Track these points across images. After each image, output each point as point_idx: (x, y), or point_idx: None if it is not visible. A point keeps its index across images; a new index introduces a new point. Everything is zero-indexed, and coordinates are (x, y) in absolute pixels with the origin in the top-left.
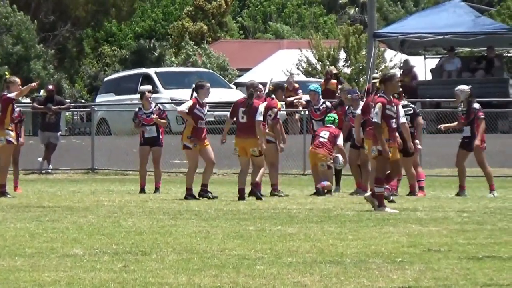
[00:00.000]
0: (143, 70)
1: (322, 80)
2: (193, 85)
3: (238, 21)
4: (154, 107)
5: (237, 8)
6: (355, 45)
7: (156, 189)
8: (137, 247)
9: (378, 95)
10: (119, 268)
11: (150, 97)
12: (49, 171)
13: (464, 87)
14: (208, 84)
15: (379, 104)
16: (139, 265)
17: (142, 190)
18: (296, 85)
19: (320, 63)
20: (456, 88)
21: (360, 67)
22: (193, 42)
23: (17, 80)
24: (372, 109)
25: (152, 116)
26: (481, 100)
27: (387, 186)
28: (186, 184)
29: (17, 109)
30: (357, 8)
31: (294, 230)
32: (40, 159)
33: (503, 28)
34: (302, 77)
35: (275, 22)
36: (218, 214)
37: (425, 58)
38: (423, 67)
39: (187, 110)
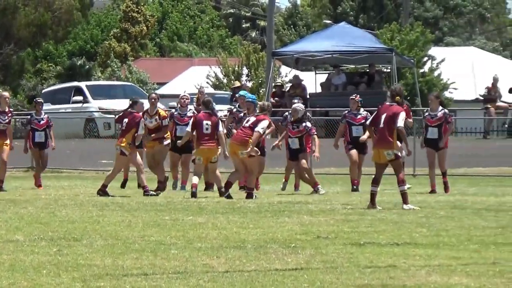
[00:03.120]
0: (75, 84)
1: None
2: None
3: (156, 41)
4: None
5: (156, 29)
6: (255, 63)
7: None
8: (69, 234)
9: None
10: (54, 252)
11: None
12: None
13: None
14: (142, 101)
15: (403, 113)
16: (71, 250)
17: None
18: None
19: (226, 78)
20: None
21: (260, 81)
22: (118, 60)
23: None
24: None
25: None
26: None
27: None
28: (105, 181)
29: (45, 116)
30: (257, 31)
31: (203, 219)
32: None
33: (382, 48)
34: (211, 90)
35: (185, 43)
36: (139, 206)
37: (315, 73)
38: (314, 81)
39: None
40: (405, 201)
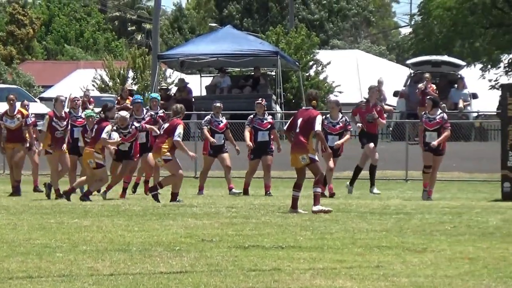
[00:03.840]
0: None
1: (118, 96)
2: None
3: (43, 44)
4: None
5: (43, 32)
6: (141, 65)
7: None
8: None
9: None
10: None
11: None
12: None
13: None
14: (62, 97)
15: (319, 117)
16: None
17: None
18: (92, 99)
19: (112, 80)
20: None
21: (146, 84)
22: (4, 63)
23: None
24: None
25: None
26: (249, 112)
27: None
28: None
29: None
30: (143, 34)
31: (89, 222)
32: None
33: (267, 50)
34: (96, 93)
35: (71, 46)
36: (24, 209)
37: (201, 76)
38: (199, 84)
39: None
40: (315, 202)
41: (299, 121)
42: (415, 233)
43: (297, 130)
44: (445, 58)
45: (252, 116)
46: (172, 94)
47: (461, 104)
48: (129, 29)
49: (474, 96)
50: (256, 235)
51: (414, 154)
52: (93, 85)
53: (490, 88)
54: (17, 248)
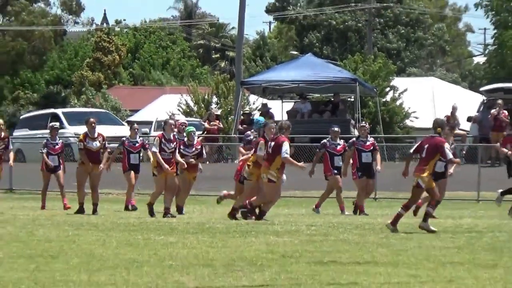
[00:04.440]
0: (52, 110)
1: (205, 120)
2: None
3: (129, 70)
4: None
5: (129, 59)
6: (225, 91)
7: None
8: (47, 252)
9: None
10: (32, 268)
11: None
12: None
13: None
14: (171, 121)
15: (446, 144)
16: (49, 266)
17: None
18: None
19: (197, 105)
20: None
21: (229, 109)
22: (92, 88)
23: None
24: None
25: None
26: (327, 136)
27: None
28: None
29: (60, 141)
30: (226, 62)
31: (174, 239)
32: None
33: (346, 77)
34: (182, 117)
35: (158, 72)
36: (112, 226)
37: (282, 102)
38: (281, 109)
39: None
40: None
41: (426, 146)
42: (486, 250)
43: (423, 155)
44: None
45: (326, 140)
46: (254, 119)
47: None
48: (213, 56)
49: None
50: (335, 251)
51: (485, 176)
52: (178, 110)
53: None
54: (106, 262)
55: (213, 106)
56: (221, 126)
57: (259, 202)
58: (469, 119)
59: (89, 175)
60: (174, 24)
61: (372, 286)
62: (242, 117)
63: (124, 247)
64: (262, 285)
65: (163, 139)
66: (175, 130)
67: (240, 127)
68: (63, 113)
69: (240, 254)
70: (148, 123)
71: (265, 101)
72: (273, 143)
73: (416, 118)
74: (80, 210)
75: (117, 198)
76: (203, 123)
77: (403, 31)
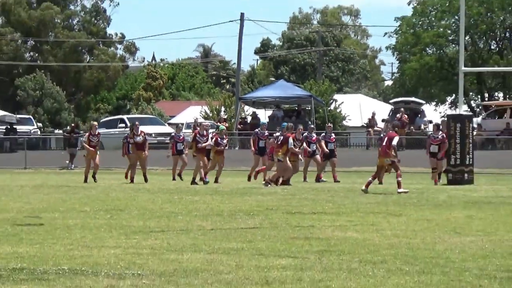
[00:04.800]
0: (120, 116)
1: (217, 121)
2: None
3: (169, 91)
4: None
5: (169, 83)
6: (229, 104)
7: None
8: (117, 207)
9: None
10: (108, 217)
11: (180, 128)
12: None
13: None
14: (204, 123)
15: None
16: (119, 216)
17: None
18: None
19: (212, 113)
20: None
21: (232, 115)
22: (145, 102)
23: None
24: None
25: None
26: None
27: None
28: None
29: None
30: (230, 85)
31: (198, 198)
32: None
33: (305, 94)
34: (202, 120)
35: (187, 92)
36: (158, 190)
37: (265, 110)
38: (264, 115)
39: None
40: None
41: (386, 138)
42: (394, 204)
43: (384, 144)
44: (413, 99)
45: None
46: (248, 121)
47: (422, 127)
48: (221, 81)
49: (430, 122)
50: (299, 205)
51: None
52: (200, 116)
53: (441, 118)
54: (154, 214)
55: (222, 113)
56: (227, 125)
57: (278, 175)
58: (383, 120)
59: (139, 158)
60: (197, 61)
61: (323, 228)
62: (240, 120)
63: (166, 203)
64: (253, 227)
65: (198, 134)
66: (204, 129)
67: (239, 126)
68: (127, 118)
69: (239, 208)
70: (181, 124)
71: (254, 110)
72: (282, 138)
73: (350, 120)
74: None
75: (161, 172)
76: (216, 123)
77: (340, 64)
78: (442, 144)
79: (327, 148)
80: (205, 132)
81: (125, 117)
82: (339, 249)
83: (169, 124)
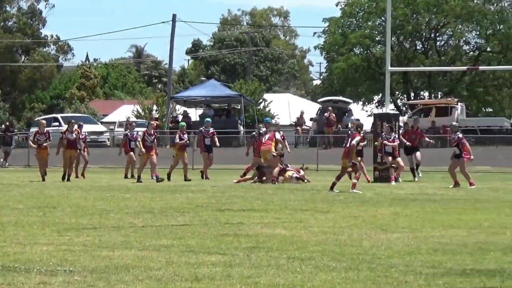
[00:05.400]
0: (54, 115)
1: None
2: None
3: (102, 90)
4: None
5: (102, 83)
6: (161, 103)
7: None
8: (50, 204)
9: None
10: (41, 215)
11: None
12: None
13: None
14: (152, 122)
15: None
16: (51, 214)
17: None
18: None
19: (144, 112)
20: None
21: (164, 113)
22: (79, 101)
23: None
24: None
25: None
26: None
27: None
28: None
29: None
30: (162, 84)
31: (129, 195)
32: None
33: (235, 94)
34: (134, 119)
35: (120, 91)
36: (91, 187)
37: (196, 109)
38: (195, 114)
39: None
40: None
41: (349, 140)
42: (322, 201)
43: (347, 145)
44: (340, 98)
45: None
46: (179, 120)
47: (349, 125)
48: (154, 80)
49: (358, 120)
50: (229, 202)
51: (322, 155)
52: (132, 115)
53: (368, 116)
54: (86, 211)
55: (154, 112)
56: (159, 124)
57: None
58: (311, 119)
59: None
60: (129, 61)
61: (252, 225)
62: (171, 119)
63: (98, 201)
64: (183, 224)
65: (146, 133)
66: (153, 126)
67: (170, 125)
68: (61, 116)
69: (170, 205)
70: (113, 123)
71: (185, 109)
72: (267, 135)
73: (279, 118)
74: (64, 177)
75: (100, 170)
76: (148, 121)
77: (269, 64)
78: (396, 143)
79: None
80: (152, 131)
81: (58, 115)
82: (268, 246)
83: (102, 123)
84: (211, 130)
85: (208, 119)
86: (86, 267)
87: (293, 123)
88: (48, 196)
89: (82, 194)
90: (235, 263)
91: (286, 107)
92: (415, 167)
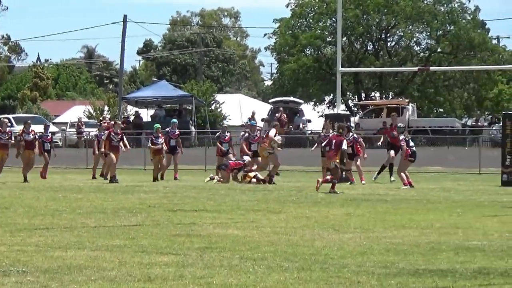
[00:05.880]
0: (6, 116)
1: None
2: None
3: (54, 90)
4: None
5: (53, 83)
6: (112, 103)
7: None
8: (2, 205)
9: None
10: None
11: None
12: None
13: None
14: (118, 121)
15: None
16: (3, 214)
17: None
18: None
19: (95, 112)
20: None
21: (115, 114)
22: (31, 102)
23: None
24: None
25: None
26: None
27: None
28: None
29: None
30: (113, 85)
31: (82, 196)
32: None
33: (186, 94)
34: (85, 119)
35: (71, 92)
36: (43, 188)
37: (147, 110)
38: (146, 114)
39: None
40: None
41: (333, 142)
42: (274, 202)
43: (332, 147)
44: (291, 98)
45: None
46: (131, 120)
47: (301, 126)
48: (105, 81)
49: (309, 121)
50: (181, 203)
51: None
52: (84, 115)
53: (319, 116)
54: (39, 211)
55: (105, 112)
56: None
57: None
58: (263, 119)
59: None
60: (81, 61)
61: (204, 225)
62: (123, 119)
63: (50, 201)
64: (136, 224)
65: (112, 133)
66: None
67: (122, 125)
68: (13, 117)
69: (122, 205)
70: (65, 124)
71: (136, 109)
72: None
73: (230, 119)
74: (25, 180)
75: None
76: (99, 122)
77: (220, 65)
78: (355, 144)
79: (251, 149)
80: (119, 130)
81: (10, 116)
82: (220, 246)
83: (54, 123)
84: (177, 131)
85: (175, 120)
86: (39, 268)
87: (244, 124)
88: (0, 197)
89: (34, 194)
90: (187, 263)
91: (238, 108)
92: (389, 168)
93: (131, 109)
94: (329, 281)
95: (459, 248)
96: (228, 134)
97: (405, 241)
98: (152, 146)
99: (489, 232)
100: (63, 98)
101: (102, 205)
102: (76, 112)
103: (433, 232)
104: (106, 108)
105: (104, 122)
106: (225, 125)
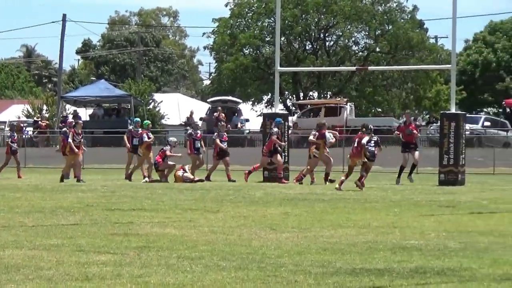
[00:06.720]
0: None
1: (39, 120)
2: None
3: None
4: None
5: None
6: (51, 102)
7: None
8: None
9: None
10: None
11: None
12: None
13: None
14: (80, 121)
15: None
16: None
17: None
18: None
19: (34, 111)
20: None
21: (54, 114)
22: None
23: None
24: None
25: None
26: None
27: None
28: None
29: None
30: (52, 84)
31: (20, 195)
32: None
33: (125, 94)
34: (24, 118)
35: (10, 90)
36: None
37: (86, 109)
38: (85, 113)
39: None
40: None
41: (357, 139)
42: (211, 201)
43: (355, 145)
44: (230, 97)
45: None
46: (68, 119)
47: (239, 125)
48: (44, 80)
49: (247, 120)
50: (118, 202)
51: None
52: (22, 114)
53: (257, 116)
54: None
55: (44, 111)
56: (49, 123)
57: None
58: (201, 119)
59: None
60: (19, 61)
61: (142, 224)
62: (61, 118)
63: None
64: (74, 223)
65: (75, 134)
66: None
67: (60, 124)
68: None
69: (60, 204)
70: (3, 123)
71: (75, 108)
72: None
73: (168, 118)
74: None
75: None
76: (38, 121)
77: (159, 64)
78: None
79: (195, 146)
80: (80, 130)
81: None
82: (158, 245)
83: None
84: (140, 130)
85: (138, 119)
86: None
87: (183, 123)
88: None
89: None
90: (125, 262)
91: (176, 107)
92: (411, 167)
93: (69, 108)
94: (266, 280)
95: (396, 248)
96: (199, 132)
97: (342, 240)
98: (147, 140)
99: (426, 232)
100: (1, 97)
101: (40, 204)
102: (14, 111)
103: (370, 231)
104: (44, 107)
105: (42, 122)
106: (197, 122)
